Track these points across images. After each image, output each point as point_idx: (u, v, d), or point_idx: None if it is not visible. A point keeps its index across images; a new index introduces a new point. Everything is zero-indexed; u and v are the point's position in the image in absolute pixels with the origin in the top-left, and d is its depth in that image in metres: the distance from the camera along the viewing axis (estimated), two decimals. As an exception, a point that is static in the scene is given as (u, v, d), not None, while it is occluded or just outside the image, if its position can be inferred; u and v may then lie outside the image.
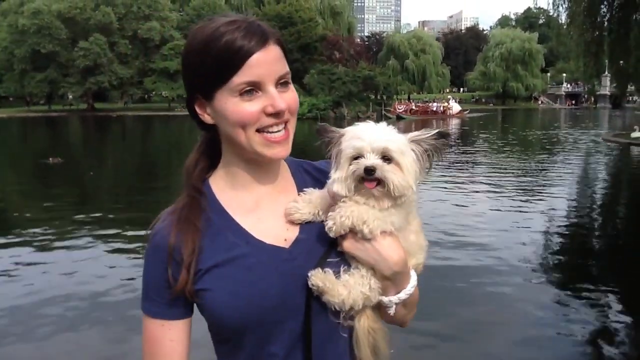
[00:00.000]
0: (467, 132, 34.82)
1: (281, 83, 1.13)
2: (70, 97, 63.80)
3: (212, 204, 1.20)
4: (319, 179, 1.28)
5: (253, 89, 1.10)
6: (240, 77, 1.08)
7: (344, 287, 1.13)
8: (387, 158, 1.12)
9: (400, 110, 51.59)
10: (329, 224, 1.15)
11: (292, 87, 1.17)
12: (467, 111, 58.94)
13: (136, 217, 9.60)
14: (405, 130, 1.17)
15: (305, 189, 1.24)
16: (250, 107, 1.10)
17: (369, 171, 1.10)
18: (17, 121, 51.10)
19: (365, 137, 1.13)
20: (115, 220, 9.86)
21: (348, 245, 1.15)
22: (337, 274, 1.15)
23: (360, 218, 1.13)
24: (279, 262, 1.15)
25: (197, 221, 1.16)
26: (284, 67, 1.14)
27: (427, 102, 61.09)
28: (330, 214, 1.16)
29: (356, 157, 1.12)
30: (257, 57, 1.08)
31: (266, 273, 1.13)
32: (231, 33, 1.08)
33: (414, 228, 1.24)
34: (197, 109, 1.18)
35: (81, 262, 7.19)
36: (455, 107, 56.47)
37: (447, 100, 60.52)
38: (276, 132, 1.13)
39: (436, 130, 1.14)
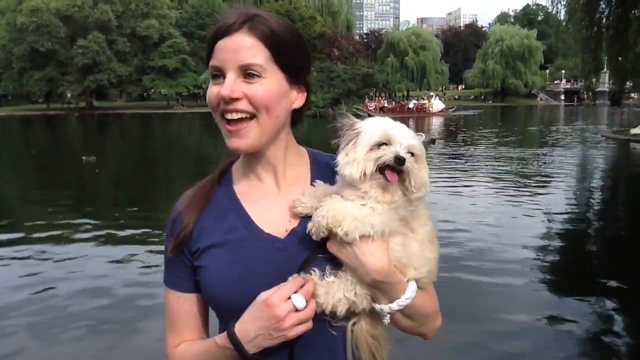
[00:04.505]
0: (447, 132, 34.17)
1: (247, 74, 1.12)
2: (69, 95, 63.74)
3: (227, 189, 1.27)
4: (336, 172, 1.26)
5: (220, 74, 1.14)
6: (211, 61, 1.14)
7: (326, 292, 1.10)
8: (412, 154, 1.09)
9: (371, 108, 48.91)
10: (309, 225, 1.12)
11: (263, 81, 1.12)
12: (453, 109, 56.18)
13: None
14: None
15: (315, 182, 1.23)
16: (212, 89, 1.15)
17: (400, 161, 1.06)
18: (18, 120, 50.92)
19: (393, 128, 1.10)
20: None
21: (331, 246, 1.13)
22: (323, 272, 1.12)
23: (336, 219, 1.07)
24: (273, 251, 1.17)
25: (204, 200, 1.24)
26: (250, 57, 1.11)
27: (422, 99, 59.73)
28: (314, 214, 1.13)
29: (380, 145, 1.08)
30: (222, 43, 1.12)
31: (258, 259, 1.16)
32: (221, 21, 1.14)
33: (419, 237, 1.16)
34: None
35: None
36: (437, 105, 53.44)
37: (428, 98, 57.70)
38: (231, 119, 1.14)
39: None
